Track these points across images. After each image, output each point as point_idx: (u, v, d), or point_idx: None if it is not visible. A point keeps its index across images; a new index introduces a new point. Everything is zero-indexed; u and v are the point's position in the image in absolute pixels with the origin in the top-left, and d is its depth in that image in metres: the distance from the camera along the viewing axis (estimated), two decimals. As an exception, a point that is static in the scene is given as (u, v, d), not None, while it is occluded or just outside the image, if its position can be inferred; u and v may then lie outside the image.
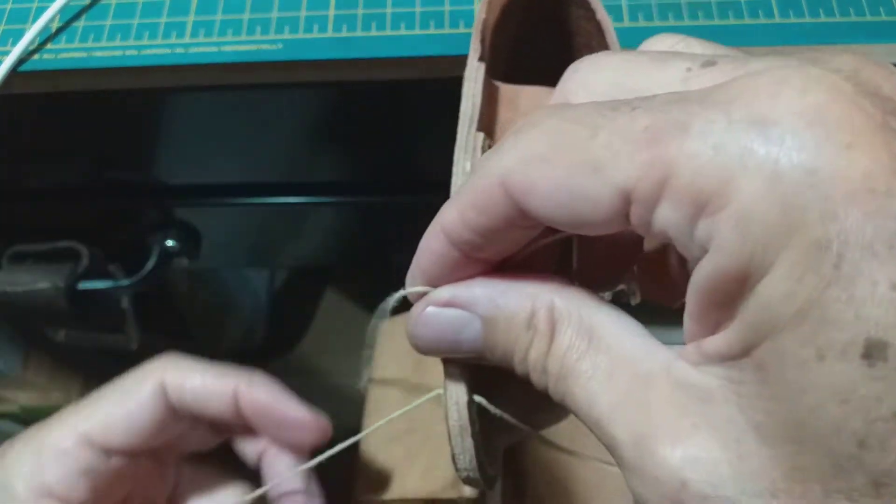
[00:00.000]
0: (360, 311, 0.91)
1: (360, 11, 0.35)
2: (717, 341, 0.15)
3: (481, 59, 0.24)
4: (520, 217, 0.17)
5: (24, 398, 0.73)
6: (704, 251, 0.14)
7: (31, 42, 0.35)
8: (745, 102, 0.14)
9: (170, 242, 0.45)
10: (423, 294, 0.19)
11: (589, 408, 0.17)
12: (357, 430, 0.38)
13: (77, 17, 0.36)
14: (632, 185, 0.15)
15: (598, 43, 0.24)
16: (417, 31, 0.34)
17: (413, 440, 0.34)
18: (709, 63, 0.16)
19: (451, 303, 0.19)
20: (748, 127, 0.13)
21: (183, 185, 0.44)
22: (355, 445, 0.35)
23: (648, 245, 0.22)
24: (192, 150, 0.41)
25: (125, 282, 0.44)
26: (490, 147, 0.23)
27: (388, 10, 0.35)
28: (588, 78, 0.18)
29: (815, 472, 0.13)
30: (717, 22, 0.34)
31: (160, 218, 0.45)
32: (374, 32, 0.35)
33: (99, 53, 0.35)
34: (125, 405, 0.30)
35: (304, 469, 0.29)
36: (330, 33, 0.35)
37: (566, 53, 0.27)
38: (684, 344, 0.16)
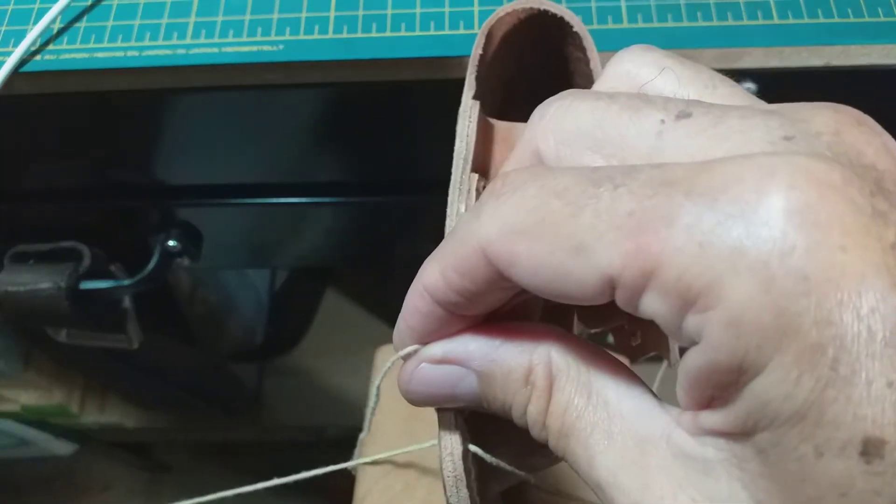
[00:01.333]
0: (360, 311, 0.91)
1: (361, 13, 0.35)
2: (715, 418, 0.15)
3: (476, 97, 0.24)
4: (503, 281, 0.16)
5: (25, 398, 0.74)
6: (694, 342, 0.14)
7: (33, 43, 0.35)
8: (732, 197, 0.13)
9: (171, 243, 0.45)
10: (415, 352, 0.19)
11: (589, 468, 0.16)
12: (357, 431, 0.38)
13: (78, 18, 0.36)
14: (616, 273, 0.14)
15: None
16: (417, 33, 0.35)
17: (411, 473, 0.34)
18: (683, 115, 0.16)
19: (445, 360, 0.19)
20: (736, 224, 0.13)
21: (184, 185, 0.44)
22: (353, 477, 0.35)
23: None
24: (194, 150, 0.42)
25: (127, 282, 0.44)
26: (485, 188, 0.23)
27: (389, 12, 0.35)
28: (558, 125, 0.17)
29: None
30: (716, 23, 0.34)
31: (161, 218, 0.45)
32: (374, 34, 0.35)
33: (100, 54, 0.35)
34: None
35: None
36: (330, 34, 0.35)
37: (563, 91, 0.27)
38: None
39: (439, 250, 0.18)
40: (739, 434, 0.14)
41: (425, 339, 0.19)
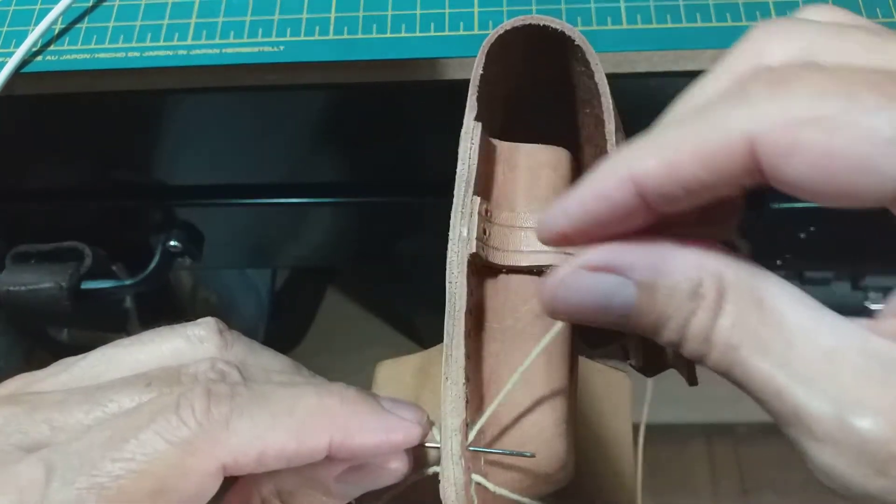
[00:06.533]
0: (360, 311, 0.91)
1: (361, 14, 0.36)
2: None
3: (477, 118, 0.23)
4: (750, 176, 0.16)
5: (26, 397, 0.74)
6: None
7: (35, 44, 0.36)
8: None
9: (172, 242, 0.45)
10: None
11: (767, 378, 0.16)
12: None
13: (80, 18, 0.37)
14: None
15: (598, 101, 0.24)
16: (418, 34, 0.35)
17: (410, 496, 0.33)
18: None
19: (606, 267, 0.18)
20: None
21: (185, 185, 0.44)
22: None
23: None
24: (195, 151, 0.42)
25: (128, 282, 0.44)
26: (487, 212, 0.23)
27: (389, 13, 0.35)
28: (784, 39, 0.17)
29: None
30: (715, 24, 0.34)
31: (163, 218, 0.45)
32: (374, 35, 0.35)
33: (102, 55, 0.35)
34: None
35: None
36: (331, 35, 0.35)
37: (565, 106, 0.26)
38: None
39: (658, 138, 0.17)
40: None
41: (587, 235, 0.18)
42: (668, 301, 0.17)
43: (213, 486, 0.19)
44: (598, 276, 0.18)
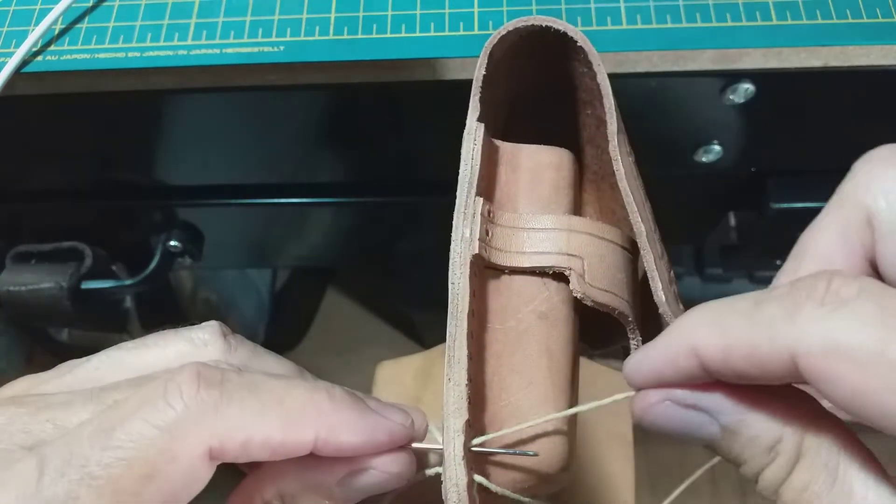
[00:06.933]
0: (360, 311, 0.91)
1: (361, 14, 0.36)
2: None
3: (480, 119, 0.23)
4: (798, 380, 0.16)
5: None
6: None
7: (35, 44, 0.36)
8: None
9: (173, 243, 0.45)
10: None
11: None
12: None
13: (80, 18, 0.37)
14: None
15: (599, 102, 0.24)
16: (418, 34, 0.35)
17: (412, 496, 0.33)
18: None
19: (695, 406, 0.19)
20: None
21: (185, 185, 0.44)
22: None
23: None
24: (195, 151, 0.42)
25: (128, 282, 0.44)
26: (490, 213, 0.23)
27: (389, 13, 0.35)
28: (892, 185, 0.17)
29: None
30: (714, 24, 0.34)
31: (163, 218, 0.45)
32: (374, 35, 0.35)
33: (102, 55, 0.35)
34: None
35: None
36: (331, 35, 0.35)
37: (567, 107, 0.26)
38: None
39: (723, 321, 0.17)
40: None
41: (665, 385, 0.19)
42: (747, 448, 0.18)
43: (204, 473, 0.19)
44: (686, 411, 0.19)
